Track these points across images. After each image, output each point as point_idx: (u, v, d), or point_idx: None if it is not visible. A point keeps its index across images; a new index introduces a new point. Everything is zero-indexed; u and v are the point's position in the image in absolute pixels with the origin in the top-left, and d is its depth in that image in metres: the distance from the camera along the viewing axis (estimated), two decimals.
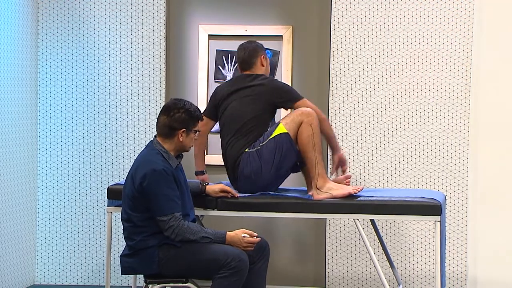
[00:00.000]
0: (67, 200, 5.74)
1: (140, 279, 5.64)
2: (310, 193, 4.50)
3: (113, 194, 4.61)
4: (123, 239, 5.68)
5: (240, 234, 4.10)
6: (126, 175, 4.23)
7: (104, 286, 4.70)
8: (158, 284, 4.14)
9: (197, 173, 4.77)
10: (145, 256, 4.06)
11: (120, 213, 4.24)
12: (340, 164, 4.67)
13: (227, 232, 4.10)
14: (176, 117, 4.11)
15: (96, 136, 5.72)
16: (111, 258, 5.46)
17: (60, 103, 5.74)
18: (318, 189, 4.46)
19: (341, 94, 5.52)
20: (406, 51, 5.45)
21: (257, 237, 4.14)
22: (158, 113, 5.66)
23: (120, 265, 4.18)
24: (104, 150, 5.71)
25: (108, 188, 4.63)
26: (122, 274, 4.17)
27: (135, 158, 4.24)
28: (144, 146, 4.26)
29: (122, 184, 4.69)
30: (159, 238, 4.05)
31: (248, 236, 4.10)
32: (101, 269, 5.71)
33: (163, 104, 5.68)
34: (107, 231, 4.63)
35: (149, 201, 4.03)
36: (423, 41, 5.43)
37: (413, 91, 5.46)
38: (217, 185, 4.48)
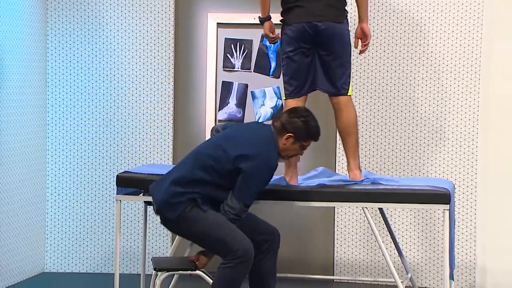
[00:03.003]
0: (76, 188, 5.75)
1: (150, 266, 5.66)
2: (352, 174, 4.56)
3: (122, 182, 4.61)
4: (132, 226, 5.71)
5: None
6: (229, 133, 4.17)
7: (113, 274, 4.72)
8: (167, 271, 4.15)
9: (263, 20, 4.63)
10: (175, 203, 4.06)
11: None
12: (362, 36, 4.63)
13: None
14: (294, 121, 4.11)
15: (105, 124, 5.73)
16: (120, 246, 5.48)
17: (68, 90, 5.74)
18: (360, 170, 4.57)
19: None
20: (417, 38, 5.43)
21: (269, 227, 4.23)
22: (166, 102, 5.70)
23: (152, 185, 4.20)
24: (113, 139, 5.72)
25: (117, 176, 4.64)
26: (147, 192, 4.21)
27: (251, 132, 4.17)
28: (256, 122, 4.23)
29: (131, 172, 4.70)
30: (196, 195, 4.06)
31: None
32: (110, 257, 5.73)
33: (171, 92, 5.69)
34: (116, 219, 4.64)
35: (244, 182, 4.02)
36: (433, 27, 5.41)
37: (422, 79, 5.44)
38: None
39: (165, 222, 4.15)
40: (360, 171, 4.60)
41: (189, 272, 4.13)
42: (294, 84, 4.55)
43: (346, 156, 4.62)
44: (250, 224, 4.23)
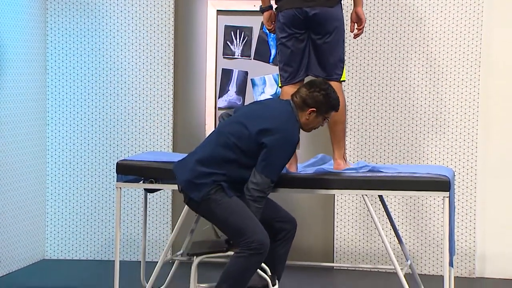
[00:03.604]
0: (77, 175, 5.76)
1: (150, 253, 5.67)
2: (336, 164, 4.53)
3: (122, 170, 4.61)
4: (132, 213, 5.72)
5: None
6: (251, 110, 4.14)
7: (113, 261, 4.73)
8: (201, 255, 4.13)
9: (264, 10, 4.64)
10: (199, 184, 4.03)
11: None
12: (357, 20, 4.62)
13: None
14: (314, 95, 4.08)
15: (105, 111, 5.73)
16: (120, 233, 5.49)
17: (68, 78, 5.74)
18: (344, 160, 4.54)
19: (350, 70, 5.50)
20: (417, 28, 5.42)
21: (288, 215, 4.26)
22: (166, 89, 5.69)
23: (175, 163, 4.18)
24: (113, 126, 5.72)
25: (117, 163, 4.64)
26: (174, 166, 4.17)
27: (270, 107, 4.14)
28: (274, 99, 4.17)
29: (131, 159, 4.70)
30: (222, 177, 4.03)
31: None
32: (110, 244, 5.74)
33: (171, 79, 5.69)
34: (116, 206, 4.65)
35: (268, 156, 3.99)
36: (433, 17, 5.39)
37: (422, 66, 5.44)
38: None
39: (188, 201, 4.11)
40: (345, 160, 4.57)
41: (222, 253, 4.10)
42: (289, 70, 4.55)
43: (332, 145, 4.57)
44: (270, 210, 4.22)
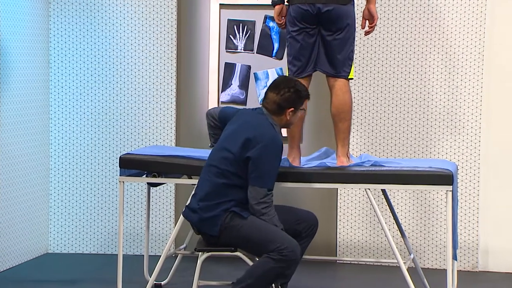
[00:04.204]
0: (80, 169, 5.76)
1: (153, 247, 5.68)
2: (339, 160, 4.53)
3: (125, 164, 4.62)
4: (135, 208, 5.72)
5: None
6: (228, 133, 4.15)
7: (117, 254, 4.73)
8: (207, 252, 4.12)
9: (275, 3, 4.59)
10: (210, 217, 4.06)
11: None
12: (369, 18, 4.59)
13: None
14: (286, 96, 4.13)
15: (108, 106, 5.73)
16: (124, 227, 5.49)
17: (71, 72, 5.74)
18: (348, 157, 4.54)
19: (360, 65, 5.50)
20: (419, 19, 5.41)
21: (309, 213, 4.29)
22: (169, 83, 5.69)
23: (184, 210, 4.20)
24: (116, 120, 5.72)
25: (120, 157, 4.64)
26: (183, 214, 4.20)
27: (240, 117, 4.20)
28: (247, 112, 4.21)
29: (133, 153, 4.70)
30: (230, 204, 4.06)
31: None
32: (113, 237, 5.74)
33: (174, 74, 5.68)
34: (119, 200, 4.66)
35: (255, 166, 4.01)
36: (436, 7, 5.38)
37: (425, 60, 5.43)
38: None
39: (209, 240, 4.12)
40: (348, 158, 4.56)
41: (229, 253, 4.10)
42: (297, 64, 4.53)
43: (336, 142, 4.56)
44: (288, 215, 4.25)
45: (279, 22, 4.60)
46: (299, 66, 4.53)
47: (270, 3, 4.62)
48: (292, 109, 4.14)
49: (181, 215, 4.28)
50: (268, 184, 4.03)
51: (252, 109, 4.30)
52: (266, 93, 4.20)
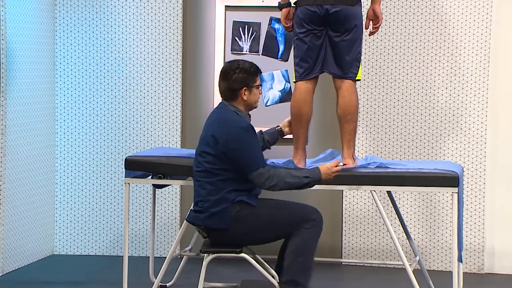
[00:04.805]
0: (85, 171, 5.77)
1: (158, 249, 5.69)
2: (345, 162, 4.53)
3: (131, 165, 4.62)
4: (140, 209, 5.73)
5: (331, 165, 4.14)
6: (200, 138, 4.20)
7: (122, 256, 4.74)
8: (213, 254, 4.12)
9: (282, 6, 4.60)
10: (219, 211, 4.07)
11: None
12: (374, 18, 4.58)
13: (319, 166, 4.15)
14: (234, 78, 4.14)
15: (114, 108, 5.73)
16: (129, 228, 5.50)
17: (77, 74, 5.75)
18: (353, 159, 4.55)
19: (366, 66, 5.49)
20: (425, 22, 5.41)
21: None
22: (175, 85, 5.70)
23: (187, 215, 4.22)
24: (122, 122, 5.73)
25: (125, 159, 4.65)
26: (187, 220, 4.20)
27: (207, 120, 4.24)
28: (213, 112, 4.23)
29: (139, 155, 4.71)
30: (233, 194, 4.07)
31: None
32: (119, 239, 5.75)
33: (180, 75, 5.69)
34: (125, 201, 4.66)
35: (237, 158, 4.04)
36: (442, 10, 5.38)
37: (431, 62, 5.42)
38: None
39: (217, 237, 4.12)
40: (354, 160, 4.57)
41: (234, 255, 4.10)
42: (304, 66, 4.53)
43: (342, 143, 4.56)
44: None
45: (286, 25, 4.60)
46: (306, 67, 4.53)
47: (277, 6, 4.62)
48: (245, 88, 4.14)
49: (185, 221, 4.29)
50: (258, 163, 4.05)
51: (215, 108, 4.31)
52: (218, 85, 4.22)
